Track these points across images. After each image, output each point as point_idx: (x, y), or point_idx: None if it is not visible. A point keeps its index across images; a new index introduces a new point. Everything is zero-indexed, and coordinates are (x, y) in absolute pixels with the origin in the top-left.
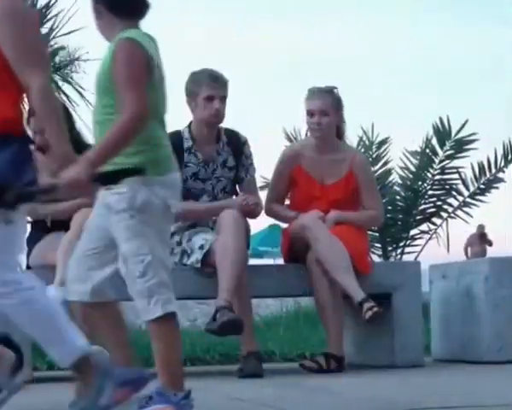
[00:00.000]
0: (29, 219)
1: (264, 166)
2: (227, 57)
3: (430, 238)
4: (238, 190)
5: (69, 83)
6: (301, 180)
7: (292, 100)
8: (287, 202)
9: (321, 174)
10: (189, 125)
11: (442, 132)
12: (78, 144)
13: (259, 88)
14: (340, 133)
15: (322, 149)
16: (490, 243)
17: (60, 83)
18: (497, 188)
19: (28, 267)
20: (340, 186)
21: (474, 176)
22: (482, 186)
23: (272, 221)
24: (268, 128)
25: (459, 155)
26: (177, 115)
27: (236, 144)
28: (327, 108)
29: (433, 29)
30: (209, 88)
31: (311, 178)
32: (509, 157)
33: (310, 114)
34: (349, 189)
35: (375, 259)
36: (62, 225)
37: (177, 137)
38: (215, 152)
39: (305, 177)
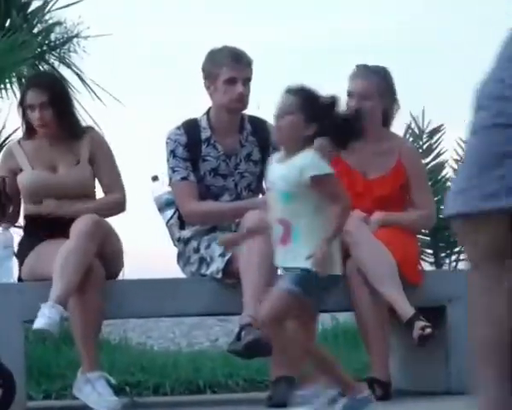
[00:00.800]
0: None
1: None
2: (252, 30)
3: None
4: (265, 188)
5: (66, 64)
6: (341, 174)
7: (329, 80)
8: None
9: (364, 167)
10: (208, 113)
11: None
12: (73, 128)
13: (289, 66)
14: (387, 121)
15: (365, 138)
16: None
17: (55, 64)
18: None
19: (20, 280)
20: (386, 181)
21: None
22: None
23: None
24: None
25: None
26: (194, 101)
27: (263, 134)
28: (368, 91)
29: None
30: (230, 69)
31: (352, 171)
32: None
33: (349, 95)
34: (397, 184)
35: (426, 267)
36: (60, 231)
37: (193, 126)
38: (238, 143)
39: (345, 170)
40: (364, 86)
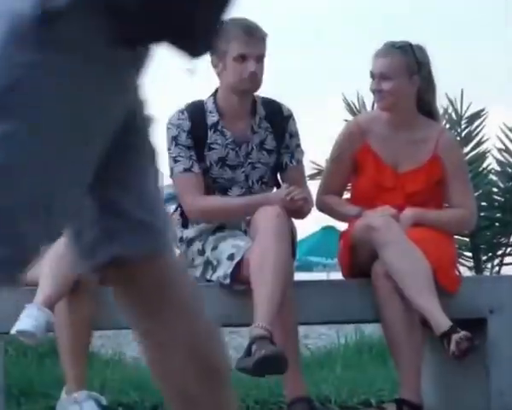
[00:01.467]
0: None
1: (316, 149)
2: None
3: None
4: (280, 181)
5: None
6: (368, 165)
7: (355, 60)
8: (345, 194)
9: (395, 158)
10: (215, 95)
11: None
12: None
13: (310, 45)
14: (424, 105)
15: (396, 125)
16: None
17: None
18: None
19: None
20: (420, 174)
21: None
22: None
23: (326, 222)
24: (322, 98)
25: None
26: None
27: (278, 119)
28: (390, 70)
29: None
30: (241, 44)
31: (381, 162)
32: None
33: (371, 76)
34: (432, 178)
35: (465, 272)
36: None
37: (198, 110)
38: (249, 129)
39: (373, 160)
40: (384, 64)
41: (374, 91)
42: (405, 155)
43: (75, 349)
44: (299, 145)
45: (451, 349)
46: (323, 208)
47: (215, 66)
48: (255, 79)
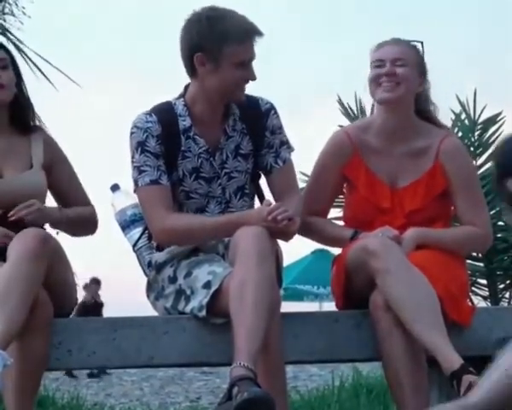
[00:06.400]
0: None
1: (307, 159)
2: None
3: None
4: (267, 186)
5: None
6: (360, 182)
7: (350, 54)
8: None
9: (392, 172)
10: (184, 96)
11: None
12: (27, 120)
13: (299, 37)
14: (423, 111)
15: (392, 133)
16: None
17: None
18: None
19: None
20: (420, 188)
21: None
22: None
23: (317, 245)
24: (314, 98)
25: None
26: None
27: (254, 117)
28: (406, 56)
29: None
30: (246, 48)
31: (376, 177)
32: None
33: (378, 64)
34: (434, 191)
35: (479, 302)
36: None
37: (168, 112)
38: (222, 135)
39: (366, 175)
40: (397, 51)
41: (381, 76)
42: (403, 169)
43: (25, 393)
44: (284, 142)
45: (464, 395)
46: (309, 233)
47: (201, 64)
48: (245, 88)
